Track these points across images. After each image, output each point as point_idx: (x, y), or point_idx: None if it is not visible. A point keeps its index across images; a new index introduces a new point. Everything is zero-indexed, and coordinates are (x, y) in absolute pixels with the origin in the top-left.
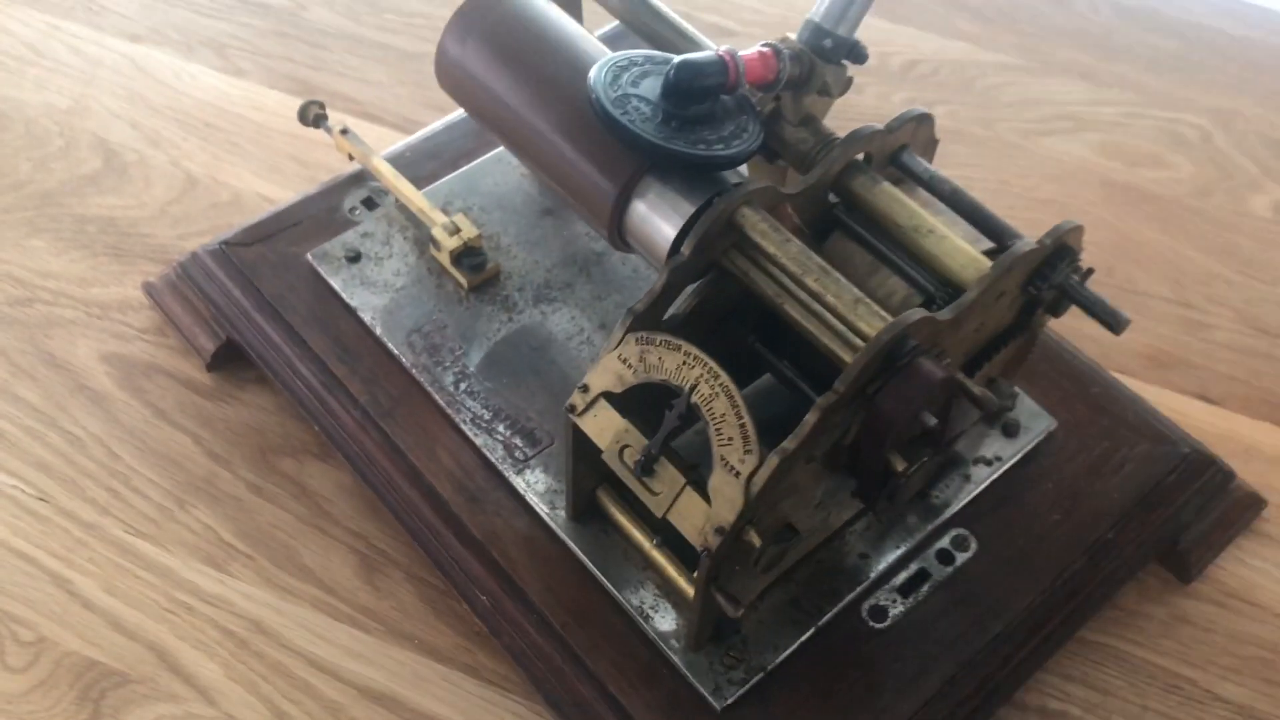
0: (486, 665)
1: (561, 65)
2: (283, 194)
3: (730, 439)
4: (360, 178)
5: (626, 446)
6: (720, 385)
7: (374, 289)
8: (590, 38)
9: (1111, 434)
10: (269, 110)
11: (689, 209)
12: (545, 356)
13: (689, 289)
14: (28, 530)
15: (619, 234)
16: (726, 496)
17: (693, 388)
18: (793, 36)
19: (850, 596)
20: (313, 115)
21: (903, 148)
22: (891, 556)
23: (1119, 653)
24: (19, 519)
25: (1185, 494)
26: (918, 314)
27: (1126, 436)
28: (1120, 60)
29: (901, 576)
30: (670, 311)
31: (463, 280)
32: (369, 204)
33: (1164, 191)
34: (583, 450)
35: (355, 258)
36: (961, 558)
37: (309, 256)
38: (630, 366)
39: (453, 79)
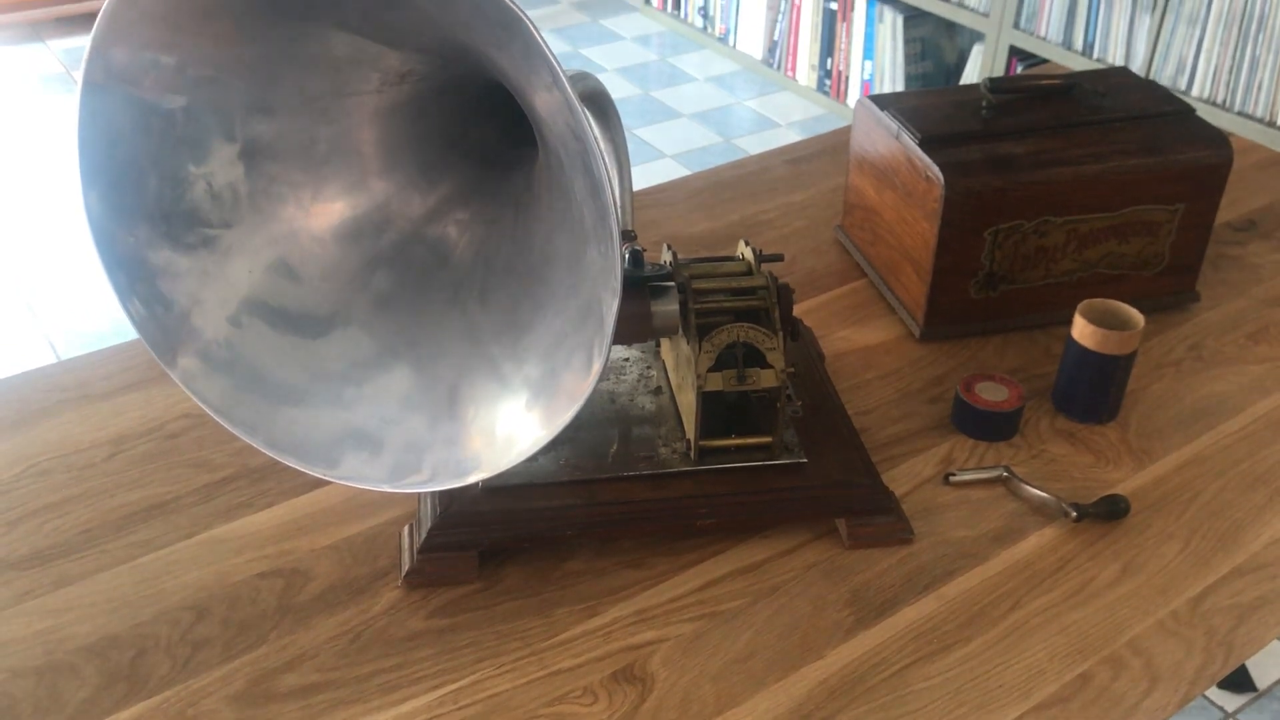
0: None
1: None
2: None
3: (763, 341)
4: None
5: (730, 380)
6: (746, 328)
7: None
8: None
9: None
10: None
11: (676, 293)
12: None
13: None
14: None
15: (653, 334)
16: (776, 360)
17: (738, 336)
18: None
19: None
20: None
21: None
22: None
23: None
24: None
25: None
26: (767, 274)
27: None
28: None
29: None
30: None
31: None
32: None
33: None
34: (709, 403)
35: None
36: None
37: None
38: (711, 352)
39: None
